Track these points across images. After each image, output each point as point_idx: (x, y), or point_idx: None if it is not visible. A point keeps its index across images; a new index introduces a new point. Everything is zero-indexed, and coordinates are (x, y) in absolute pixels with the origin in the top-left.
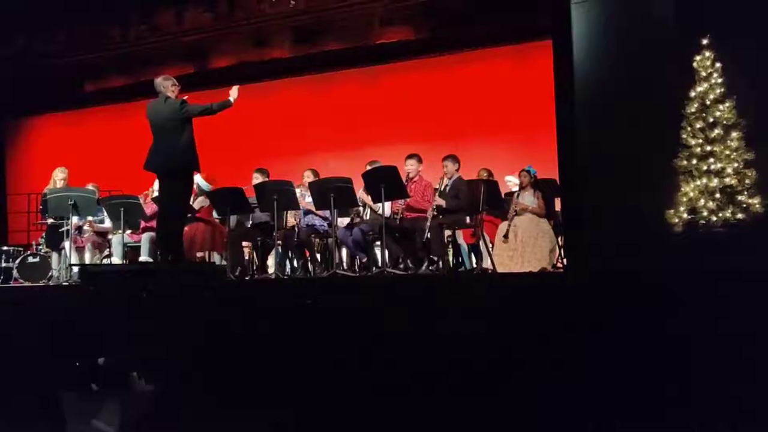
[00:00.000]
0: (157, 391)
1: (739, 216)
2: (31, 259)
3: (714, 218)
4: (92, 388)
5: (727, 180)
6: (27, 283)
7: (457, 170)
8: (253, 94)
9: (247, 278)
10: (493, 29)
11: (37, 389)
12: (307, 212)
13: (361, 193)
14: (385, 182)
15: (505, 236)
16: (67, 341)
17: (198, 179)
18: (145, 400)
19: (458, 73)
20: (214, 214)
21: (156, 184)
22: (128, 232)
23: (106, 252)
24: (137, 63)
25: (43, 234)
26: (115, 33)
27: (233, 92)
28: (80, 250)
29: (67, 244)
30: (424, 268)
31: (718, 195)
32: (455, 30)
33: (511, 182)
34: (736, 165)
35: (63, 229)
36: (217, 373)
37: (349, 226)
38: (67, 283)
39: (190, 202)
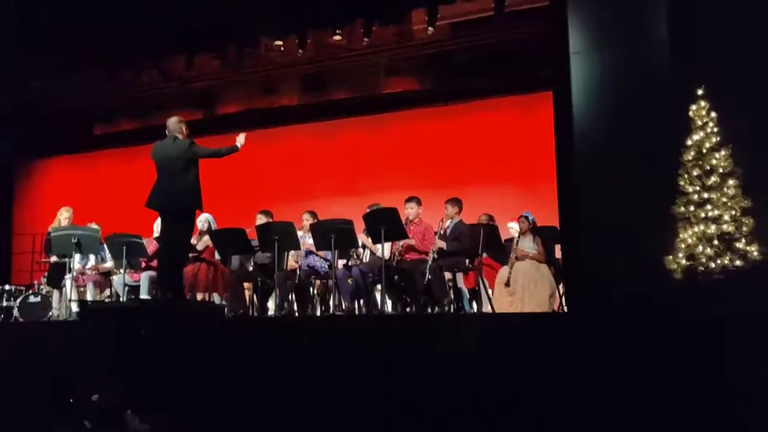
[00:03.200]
0: (152, 429)
1: (738, 263)
2: (32, 299)
3: (713, 265)
4: (85, 425)
5: (725, 227)
6: None
7: (458, 213)
8: (260, 139)
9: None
10: (497, 80)
11: (30, 427)
12: (309, 253)
13: (361, 236)
14: (385, 224)
15: (507, 284)
16: (62, 377)
17: (208, 217)
18: None
19: (462, 122)
20: (216, 255)
21: (157, 223)
22: (129, 271)
23: (107, 292)
24: (147, 107)
25: (45, 273)
26: (126, 78)
27: (240, 139)
28: (81, 288)
29: (68, 281)
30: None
31: (716, 242)
32: (459, 81)
33: (513, 229)
34: (733, 212)
35: (67, 276)
36: (212, 411)
37: (348, 267)
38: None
39: (196, 243)
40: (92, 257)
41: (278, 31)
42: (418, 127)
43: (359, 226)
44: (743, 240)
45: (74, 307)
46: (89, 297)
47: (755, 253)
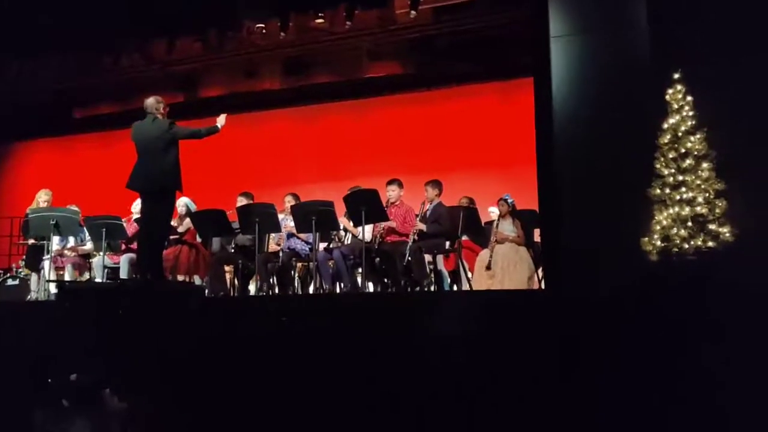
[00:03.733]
0: (130, 409)
1: (710, 244)
2: (10, 282)
3: (686, 246)
4: (63, 404)
5: (698, 209)
6: None
7: (438, 195)
8: (242, 123)
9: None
10: (479, 66)
11: (9, 406)
12: (290, 236)
13: (342, 219)
14: (365, 205)
15: (488, 267)
16: (41, 357)
17: (186, 200)
18: (117, 417)
19: (445, 107)
20: (198, 238)
21: (135, 205)
22: (108, 253)
23: (87, 275)
24: (128, 90)
25: (24, 256)
26: (107, 60)
27: (221, 119)
28: (60, 271)
29: (46, 262)
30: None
31: (689, 223)
32: (442, 66)
33: (494, 213)
34: (706, 195)
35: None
36: (191, 391)
37: (328, 250)
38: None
39: (177, 225)
40: (71, 239)
41: (260, 13)
42: (400, 112)
43: (340, 211)
44: (716, 222)
45: (53, 289)
46: (68, 278)
47: (727, 235)
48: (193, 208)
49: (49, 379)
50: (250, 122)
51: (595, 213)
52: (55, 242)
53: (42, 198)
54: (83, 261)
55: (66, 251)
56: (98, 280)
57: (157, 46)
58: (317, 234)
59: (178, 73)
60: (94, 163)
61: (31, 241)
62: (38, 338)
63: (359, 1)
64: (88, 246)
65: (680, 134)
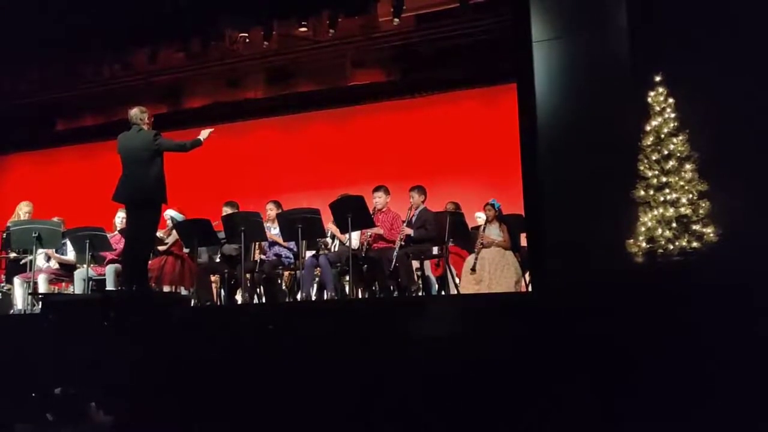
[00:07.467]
0: (116, 422)
1: (695, 245)
2: None
3: (671, 246)
4: (47, 418)
5: (682, 210)
6: None
7: (423, 201)
8: (226, 133)
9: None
10: (463, 72)
11: None
12: (273, 244)
13: (330, 226)
14: (352, 212)
15: (473, 269)
16: (24, 371)
17: (171, 212)
18: (102, 431)
19: (428, 114)
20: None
21: (118, 216)
22: (92, 265)
23: (71, 289)
24: (110, 102)
25: (5, 270)
26: (88, 72)
27: (204, 133)
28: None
29: (17, 280)
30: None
31: (674, 224)
32: (425, 73)
33: (480, 218)
34: (690, 196)
35: (25, 260)
36: (177, 403)
37: (316, 257)
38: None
39: (164, 237)
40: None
41: (243, 22)
42: (385, 119)
43: (328, 218)
44: (700, 222)
45: (36, 302)
46: (41, 290)
47: (711, 235)
48: (179, 217)
49: (33, 393)
50: (235, 132)
51: (580, 216)
52: (40, 257)
53: (23, 210)
54: (61, 272)
55: (51, 262)
56: (78, 292)
57: (139, 56)
58: (303, 242)
59: (161, 84)
60: (77, 175)
61: (12, 255)
62: (22, 352)
63: (342, 9)
64: (71, 256)
65: (663, 136)
